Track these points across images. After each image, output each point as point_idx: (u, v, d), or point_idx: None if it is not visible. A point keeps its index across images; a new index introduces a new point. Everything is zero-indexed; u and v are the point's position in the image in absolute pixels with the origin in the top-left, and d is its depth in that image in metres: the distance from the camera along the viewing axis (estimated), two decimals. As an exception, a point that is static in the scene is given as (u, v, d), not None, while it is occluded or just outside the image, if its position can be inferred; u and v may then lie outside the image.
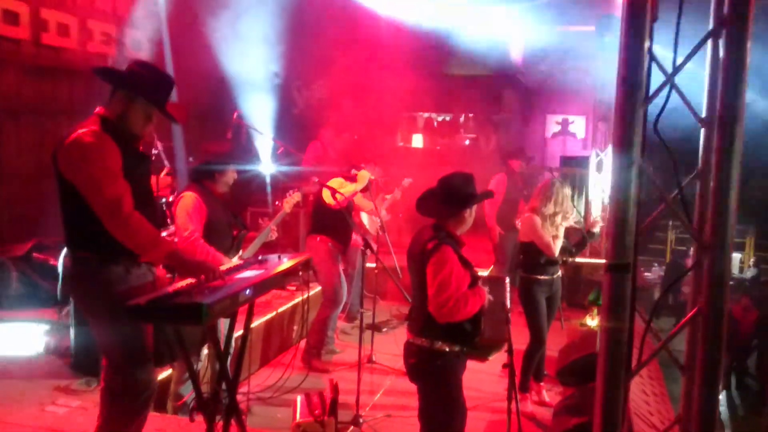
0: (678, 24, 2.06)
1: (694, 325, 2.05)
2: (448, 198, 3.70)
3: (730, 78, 1.90)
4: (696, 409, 1.94)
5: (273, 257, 3.92)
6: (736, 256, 11.71)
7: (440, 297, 3.45)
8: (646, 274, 12.63)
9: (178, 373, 4.93)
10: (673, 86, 2.04)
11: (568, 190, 5.45)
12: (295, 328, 7.17)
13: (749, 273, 12.82)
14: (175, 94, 3.73)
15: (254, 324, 5.38)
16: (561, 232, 5.42)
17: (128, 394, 3.38)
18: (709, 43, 2.11)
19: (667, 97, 2.07)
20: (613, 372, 2.01)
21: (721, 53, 1.96)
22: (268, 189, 8.67)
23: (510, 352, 3.86)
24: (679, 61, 2.08)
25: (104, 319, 3.39)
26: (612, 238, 2.01)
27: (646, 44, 1.98)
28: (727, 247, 1.91)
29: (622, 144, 1.98)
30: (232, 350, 4.37)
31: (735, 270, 11.59)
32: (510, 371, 3.84)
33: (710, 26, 2.07)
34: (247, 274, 3.56)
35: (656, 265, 13.93)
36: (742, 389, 9.39)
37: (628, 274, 1.99)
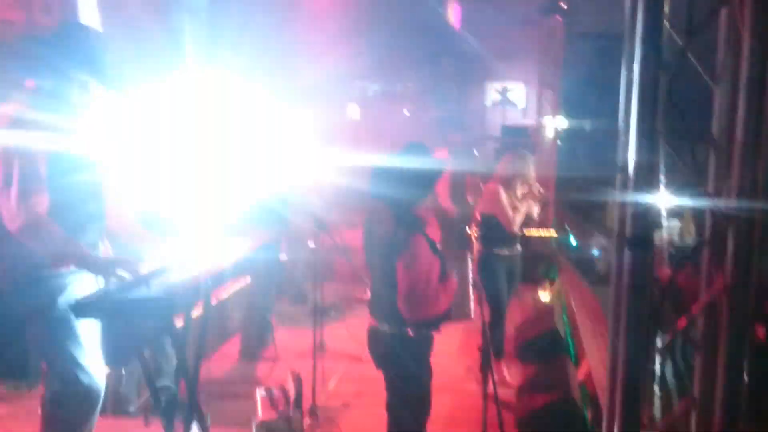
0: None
1: (712, 302, 1.97)
2: (412, 182, 3.33)
3: (756, 42, 1.80)
4: (721, 391, 1.85)
5: (228, 244, 3.67)
6: (676, 225, 11.97)
7: (413, 297, 3.22)
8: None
9: (118, 372, 4.61)
10: (689, 53, 1.93)
11: (530, 158, 5.55)
12: (236, 317, 6.89)
13: (690, 240, 13.06)
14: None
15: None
16: (523, 207, 5.41)
17: (72, 400, 3.12)
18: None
19: (681, 64, 1.97)
20: (637, 351, 1.91)
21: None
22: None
23: (484, 333, 3.76)
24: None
25: (37, 322, 3.11)
26: (632, 211, 1.89)
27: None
28: (755, 220, 1.82)
29: (644, 112, 1.86)
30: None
31: (676, 238, 11.86)
32: (484, 354, 3.73)
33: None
34: (204, 263, 3.31)
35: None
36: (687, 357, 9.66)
37: (650, 249, 1.88)
